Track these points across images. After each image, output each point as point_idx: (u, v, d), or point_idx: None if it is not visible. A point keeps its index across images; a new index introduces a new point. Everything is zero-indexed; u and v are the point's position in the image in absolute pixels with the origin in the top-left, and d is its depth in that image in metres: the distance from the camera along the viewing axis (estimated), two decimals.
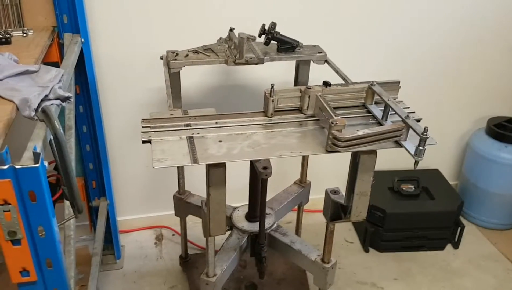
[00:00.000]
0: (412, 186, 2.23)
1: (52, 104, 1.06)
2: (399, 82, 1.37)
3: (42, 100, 1.04)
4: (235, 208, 1.78)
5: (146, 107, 1.96)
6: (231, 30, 1.60)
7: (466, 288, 2.02)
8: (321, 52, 1.62)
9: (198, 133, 1.20)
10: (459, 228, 2.20)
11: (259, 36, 1.56)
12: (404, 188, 2.22)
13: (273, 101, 1.27)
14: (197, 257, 2.05)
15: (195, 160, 1.10)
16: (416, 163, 1.13)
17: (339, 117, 1.15)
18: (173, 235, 2.25)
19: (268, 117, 1.28)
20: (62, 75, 1.17)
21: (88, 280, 1.62)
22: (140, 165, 2.10)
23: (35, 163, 0.86)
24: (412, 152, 1.13)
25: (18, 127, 1.10)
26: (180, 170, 1.80)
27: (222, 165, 1.15)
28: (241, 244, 1.63)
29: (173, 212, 1.90)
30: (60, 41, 1.56)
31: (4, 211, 0.87)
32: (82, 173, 1.87)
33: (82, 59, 1.62)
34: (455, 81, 2.25)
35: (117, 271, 2.05)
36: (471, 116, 2.38)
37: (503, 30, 2.17)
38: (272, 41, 1.56)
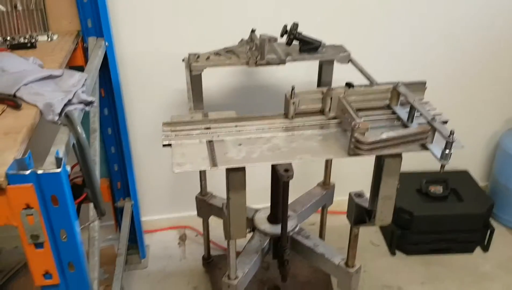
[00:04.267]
0: (441, 188, 2.17)
1: (75, 108, 1.08)
2: (425, 82, 1.33)
3: (65, 105, 1.05)
4: (257, 210, 1.77)
5: (171, 108, 1.98)
6: (253, 31, 1.59)
7: None
8: (345, 52, 1.59)
9: (218, 136, 1.20)
10: (488, 231, 2.13)
11: (281, 36, 1.54)
12: (432, 190, 2.16)
13: (293, 103, 1.25)
14: (219, 258, 2.06)
15: (214, 164, 1.09)
16: (442, 167, 1.10)
17: (362, 119, 1.13)
18: (196, 235, 2.26)
19: (289, 119, 1.27)
20: (85, 79, 1.18)
21: (112, 280, 1.65)
22: (164, 166, 2.11)
23: (57, 168, 0.87)
24: (438, 156, 1.10)
25: (43, 132, 1.12)
26: (202, 172, 1.80)
27: (242, 169, 1.14)
28: (263, 246, 1.62)
29: (196, 212, 1.91)
30: (84, 45, 1.58)
31: (27, 215, 0.88)
32: (107, 174, 1.90)
33: (106, 62, 1.64)
34: (484, 79, 2.18)
35: (142, 270, 2.08)
36: (501, 115, 2.30)
37: None
38: (294, 42, 1.54)
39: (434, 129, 1.12)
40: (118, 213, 1.97)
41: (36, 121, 1.01)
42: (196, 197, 1.87)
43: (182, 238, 2.26)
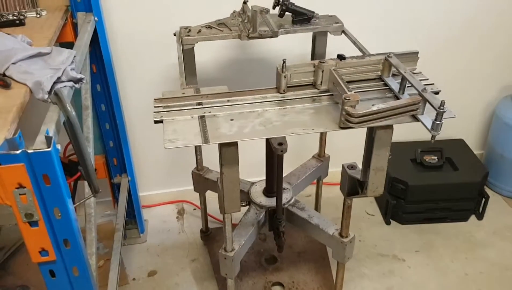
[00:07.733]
0: (436, 157, 2.18)
1: (65, 86, 1.07)
2: (417, 52, 1.32)
3: (54, 83, 1.05)
4: (252, 183, 1.79)
5: (164, 83, 1.96)
6: (245, 2, 1.57)
7: (490, 259, 1.99)
8: (337, 23, 1.57)
9: (210, 112, 1.20)
10: (483, 199, 2.15)
11: (273, 8, 1.52)
12: (427, 160, 2.17)
13: (285, 77, 1.24)
14: (217, 230, 2.08)
15: (206, 140, 1.10)
16: (433, 137, 1.10)
17: (353, 92, 1.13)
18: (194, 209, 2.28)
19: (281, 93, 1.26)
20: (74, 56, 1.17)
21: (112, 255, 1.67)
22: (160, 142, 2.10)
23: (47, 147, 0.88)
24: (429, 127, 1.10)
25: (34, 110, 1.12)
26: (198, 147, 1.81)
27: (234, 144, 1.15)
28: (259, 219, 1.64)
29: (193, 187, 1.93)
30: (74, 20, 1.56)
31: (20, 194, 0.89)
32: (103, 151, 1.90)
33: (97, 38, 1.62)
34: (480, 47, 2.16)
35: (141, 244, 2.11)
36: (497, 83, 2.28)
37: None
38: (286, 13, 1.52)
39: (425, 100, 1.12)
40: (115, 189, 1.99)
41: (26, 100, 1.01)
42: (192, 172, 1.88)
43: (180, 212, 2.29)
